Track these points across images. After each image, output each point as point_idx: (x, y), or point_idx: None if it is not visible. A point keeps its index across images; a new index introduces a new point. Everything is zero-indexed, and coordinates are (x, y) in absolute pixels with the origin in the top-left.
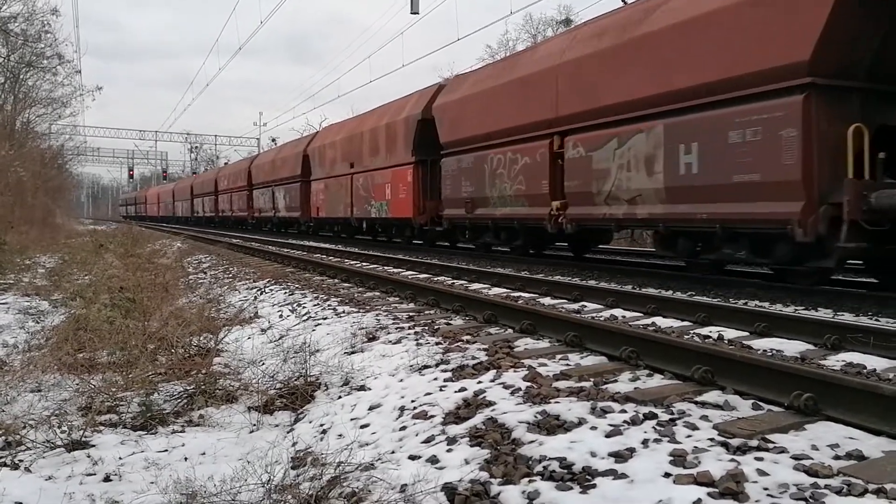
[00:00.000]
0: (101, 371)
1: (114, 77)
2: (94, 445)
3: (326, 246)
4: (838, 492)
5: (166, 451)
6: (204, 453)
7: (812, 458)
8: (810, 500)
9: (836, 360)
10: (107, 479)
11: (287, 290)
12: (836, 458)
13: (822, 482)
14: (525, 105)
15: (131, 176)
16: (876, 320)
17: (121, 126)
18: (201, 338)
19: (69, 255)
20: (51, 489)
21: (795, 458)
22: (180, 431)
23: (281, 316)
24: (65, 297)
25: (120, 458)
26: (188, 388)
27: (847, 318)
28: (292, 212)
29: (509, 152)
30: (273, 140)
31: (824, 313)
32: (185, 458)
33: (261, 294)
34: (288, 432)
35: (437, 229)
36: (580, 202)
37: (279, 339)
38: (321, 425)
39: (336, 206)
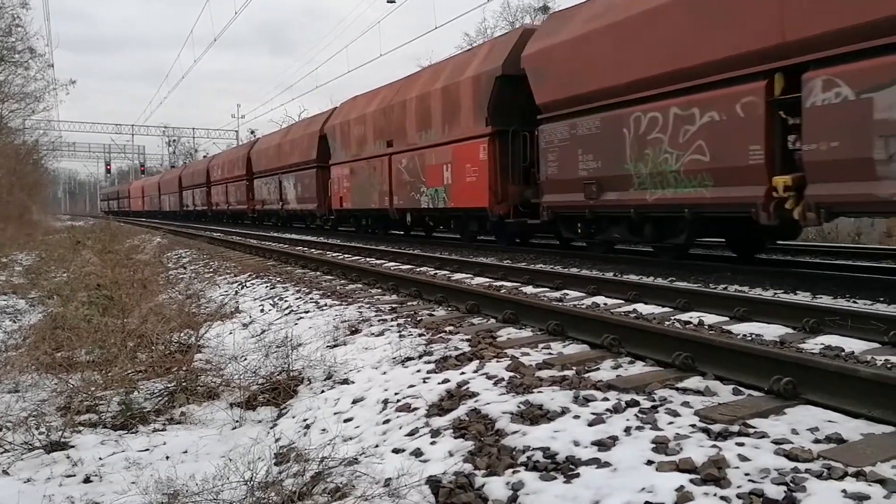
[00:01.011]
0: (79, 370)
1: (87, 70)
2: (73, 446)
3: (309, 238)
4: (818, 476)
5: (147, 450)
6: (186, 451)
7: (792, 443)
8: (791, 485)
9: (814, 344)
10: (87, 480)
11: (268, 284)
12: (816, 441)
13: (802, 466)
14: (710, 32)
15: (108, 171)
16: (853, 303)
17: (96, 120)
18: (182, 334)
19: (46, 253)
20: (30, 492)
21: (776, 442)
22: (161, 430)
23: (262, 310)
24: (42, 296)
25: (100, 459)
26: (169, 385)
27: (825, 301)
28: (306, 203)
29: (675, 107)
30: (252, 132)
31: (803, 297)
32: (167, 457)
33: (242, 288)
34: (271, 428)
35: (528, 222)
36: (842, 175)
37: (261, 333)
38: (304, 420)
39: (367, 195)
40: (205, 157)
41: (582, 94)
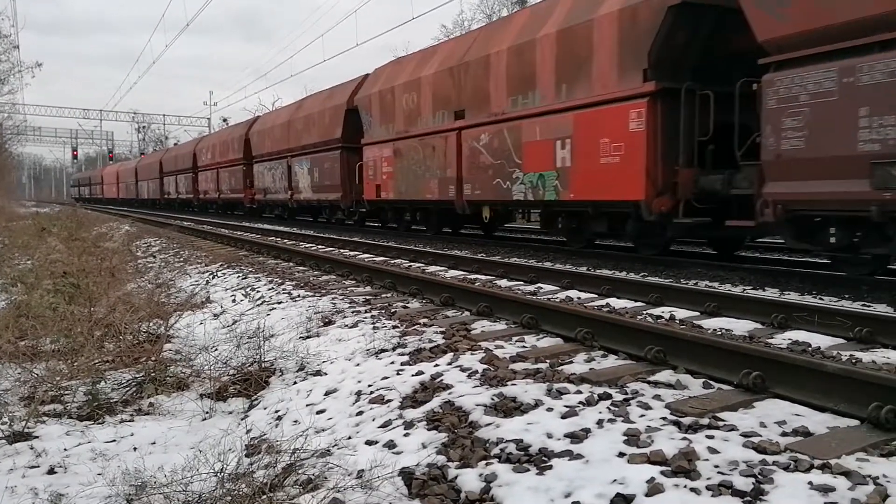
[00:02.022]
0: (44, 359)
1: (55, 53)
2: (37, 437)
3: (284, 229)
4: (786, 468)
5: (114, 441)
6: (154, 443)
7: (760, 436)
8: (759, 477)
9: (782, 339)
10: (51, 471)
11: (240, 274)
12: (784, 434)
13: (770, 459)
14: None
15: (75, 156)
16: (820, 299)
17: (63, 104)
18: (151, 324)
19: (9, 239)
20: None
21: (745, 435)
22: (129, 421)
23: (234, 300)
24: (5, 283)
25: (65, 450)
26: (137, 375)
27: (793, 297)
28: (325, 192)
29: None
30: (224, 120)
31: (771, 293)
32: (134, 448)
33: (213, 278)
34: (242, 419)
35: (684, 222)
36: None
37: (232, 324)
38: (276, 412)
39: (419, 183)
40: (176, 143)
41: (878, 17)
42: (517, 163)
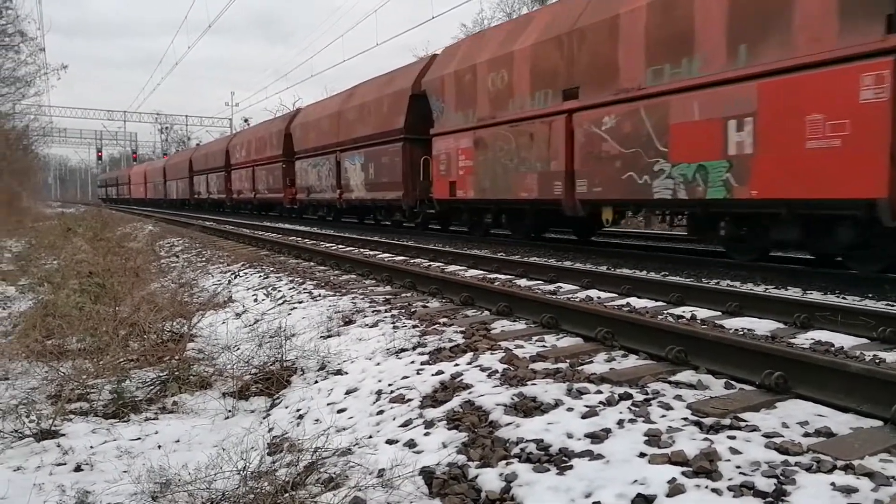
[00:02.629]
0: (70, 358)
1: (79, 55)
2: (64, 434)
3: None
4: (808, 469)
5: (139, 439)
6: (178, 441)
7: (783, 436)
8: (781, 478)
9: (805, 339)
10: (78, 468)
11: (262, 274)
12: (806, 435)
13: (792, 459)
14: None
15: (100, 157)
16: (843, 298)
17: (88, 106)
18: (174, 323)
19: (36, 240)
20: (19, 480)
21: (767, 436)
22: (153, 419)
23: (256, 300)
24: (32, 283)
25: (91, 447)
26: (161, 374)
27: (815, 296)
28: (382, 191)
29: None
30: (245, 120)
31: (794, 292)
32: (159, 446)
33: (235, 278)
34: (264, 418)
35: None
36: None
37: (254, 323)
38: (298, 410)
39: (508, 179)
40: (198, 144)
41: None
42: (661, 151)
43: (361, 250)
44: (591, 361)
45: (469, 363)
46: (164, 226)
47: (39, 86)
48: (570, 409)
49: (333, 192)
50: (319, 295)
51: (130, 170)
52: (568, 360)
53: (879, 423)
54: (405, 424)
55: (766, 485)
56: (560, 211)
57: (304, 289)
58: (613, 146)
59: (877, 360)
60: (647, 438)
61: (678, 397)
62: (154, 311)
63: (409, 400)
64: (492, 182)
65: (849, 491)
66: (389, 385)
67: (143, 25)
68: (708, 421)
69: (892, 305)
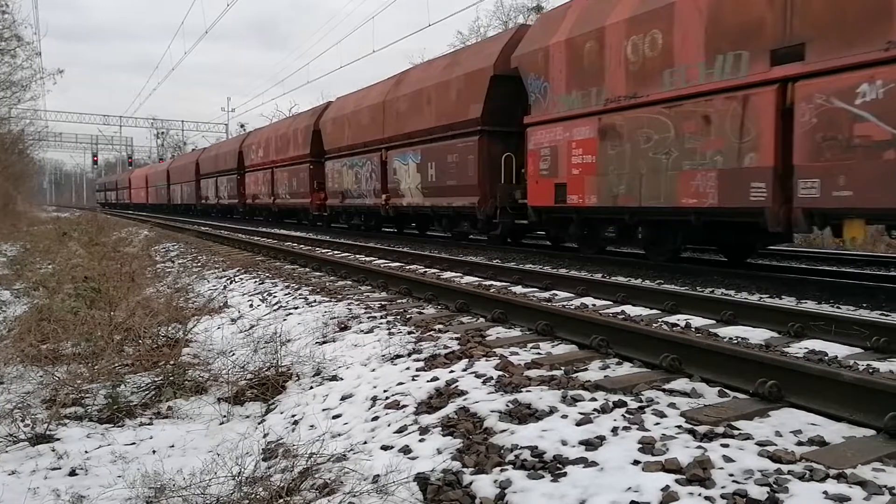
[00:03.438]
0: (65, 363)
1: (75, 60)
2: (58, 439)
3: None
4: (801, 477)
5: (134, 444)
6: (173, 446)
7: (776, 445)
8: (774, 486)
9: (799, 348)
10: (72, 473)
11: (257, 279)
12: (799, 444)
13: (785, 468)
14: None
15: (95, 162)
16: (837, 308)
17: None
18: (169, 328)
19: (31, 244)
20: (14, 484)
21: (760, 444)
22: (148, 424)
23: (251, 305)
24: (27, 287)
25: (86, 452)
26: (156, 379)
27: (810, 305)
28: (448, 196)
29: None
30: (242, 126)
31: (788, 301)
32: (154, 451)
33: (230, 283)
34: (259, 423)
35: None
36: None
37: (249, 328)
38: (293, 416)
39: (659, 180)
40: (194, 149)
41: None
42: None
43: (357, 256)
44: (586, 369)
45: (464, 370)
46: (160, 231)
47: (35, 90)
48: (564, 417)
49: (376, 197)
50: (315, 301)
51: (131, 173)
52: (563, 368)
53: (872, 432)
54: (400, 430)
55: (759, 493)
56: (750, 224)
57: (300, 294)
58: (878, 129)
59: (870, 370)
60: (640, 446)
61: (672, 405)
62: (149, 316)
63: (405, 406)
64: (629, 184)
65: (841, 500)
66: (385, 391)
67: (139, 30)
68: (701, 429)
69: (887, 315)
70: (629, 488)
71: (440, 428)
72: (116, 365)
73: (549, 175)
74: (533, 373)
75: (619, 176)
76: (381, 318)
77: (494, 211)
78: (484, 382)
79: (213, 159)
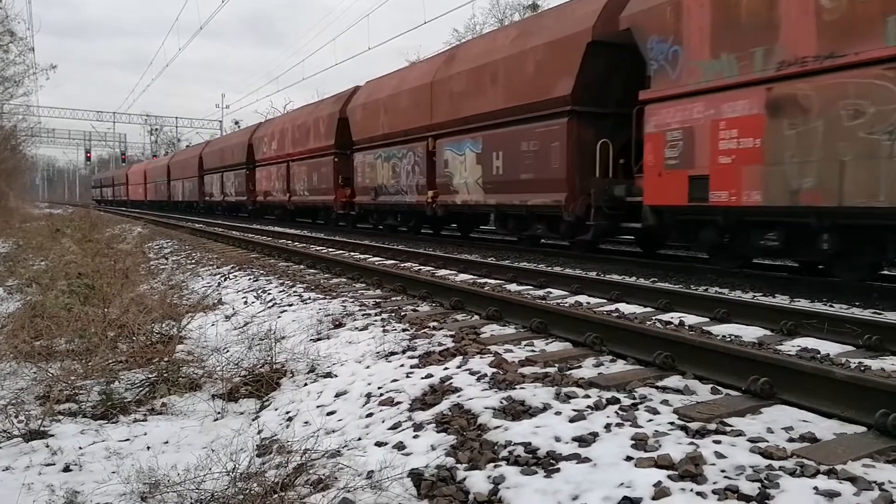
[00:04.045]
0: (59, 359)
1: (69, 55)
2: (52, 435)
3: (294, 231)
4: (792, 473)
5: (128, 440)
6: (167, 442)
7: (767, 441)
8: (765, 482)
9: (791, 346)
10: (66, 469)
11: (251, 277)
12: (791, 440)
13: (776, 464)
14: None
15: (88, 158)
16: (830, 306)
17: (77, 107)
18: (163, 325)
19: (24, 240)
20: (8, 480)
21: (752, 440)
22: (142, 420)
23: (245, 302)
24: (20, 284)
25: (80, 448)
26: (150, 375)
27: (803, 304)
28: (519, 193)
29: None
30: (236, 122)
31: (781, 300)
32: (148, 447)
33: (224, 280)
34: (253, 420)
35: None
36: None
37: (244, 325)
38: (287, 413)
39: (877, 173)
40: (188, 146)
41: None
42: None
43: (352, 254)
44: (580, 366)
45: (458, 367)
46: (154, 228)
47: (28, 86)
48: (558, 413)
49: (419, 193)
50: (309, 298)
51: (128, 169)
52: (557, 365)
53: (863, 429)
54: (394, 427)
55: (750, 489)
56: None
57: (294, 292)
58: None
59: (862, 368)
60: (633, 442)
61: (665, 402)
62: (143, 313)
63: (399, 403)
64: (819, 176)
65: (831, 495)
66: (379, 388)
67: (133, 26)
68: (694, 426)
69: (879, 314)
70: (622, 484)
71: (434, 424)
72: (110, 361)
73: (679, 166)
74: (527, 370)
75: (804, 165)
76: (376, 315)
77: (586, 211)
78: (478, 379)
79: (218, 153)
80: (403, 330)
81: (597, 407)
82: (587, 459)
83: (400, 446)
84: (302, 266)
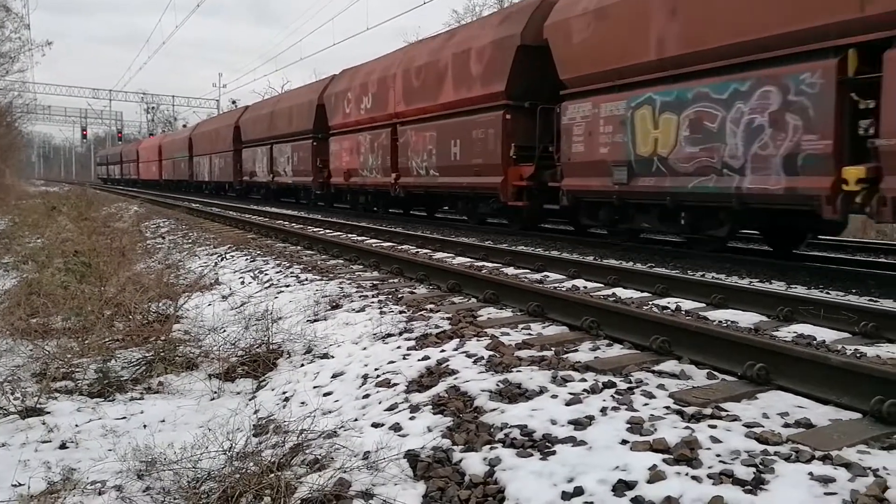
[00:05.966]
0: (55, 337)
1: (65, 32)
2: (49, 412)
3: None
4: (787, 458)
5: (124, 418)
6: (163, 420)
7: (763, 426)
8: (760, 466)
9: (787, 332)
10: (63, 446)
11: (249, 257)
12: (786, 426)
13: (771, 449)
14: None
15: (84, 136)
16: (826, 293)
17: (73, 84)
18: (160, 304)
19: (20, 218)
20: (4, 456)
21: (747, 425)
22: (139, 398)
23: (242, 283)
24: (16, 261)
25: (76, 426)
26: (147, 354)
27: (799, 290)
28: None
29: None
30: (233, 102)
31: (778, 286)
32: (144, 426)
33: (221, 260)
34: (250, 400)
35: None
36: None
37: (241, 306)
38: (284, 393)
39: None
40: (185, 125)
41: None
42: None
43: (349, 235)
44: (576, 350)
45: (455, 349)
46: (150, 207)
47: (24, 62)
48: (554, 396)
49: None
50: (306, 279)
51: (139, 144)
52: (553, 348)
53: (858, 415)
54: (391, 408)
55: (745, 473)
56: None
57: (292, 273)
58: None
59: (857, 354)
60: (629, 426)
61: (661, 386)
62: (140, 292)
63: (395, 384)
64: None
65: (826, 481)
66: (376, 369)
67: (129, 2)
68: (690, 410)
69: (875, 301)
70: (617, 467)
71: (431, 406)
72: (107, 340)
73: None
74: (524, 353)
75: None
76: (373, 297)
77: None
78: (475, 362)
79: (265, 120)
80: (400, 312)
81: (593, 391)
82: (583, 442)
83: (396, 427)
84: (299, 247)
